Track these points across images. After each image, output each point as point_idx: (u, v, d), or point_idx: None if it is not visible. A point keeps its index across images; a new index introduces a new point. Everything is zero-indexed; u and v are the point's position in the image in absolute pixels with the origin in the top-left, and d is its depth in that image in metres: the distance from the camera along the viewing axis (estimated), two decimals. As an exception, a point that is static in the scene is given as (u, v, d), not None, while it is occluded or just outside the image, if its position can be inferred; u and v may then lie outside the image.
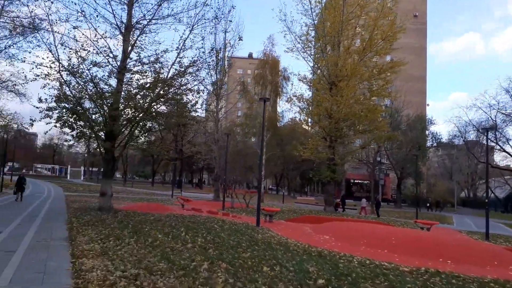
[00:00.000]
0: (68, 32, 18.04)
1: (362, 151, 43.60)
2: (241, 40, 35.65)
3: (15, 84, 28.05)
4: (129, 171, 75.73)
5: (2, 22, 25.56)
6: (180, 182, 45.17)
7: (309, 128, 44.99)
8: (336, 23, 29.64)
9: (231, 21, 34.27)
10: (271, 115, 45.23)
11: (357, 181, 61.86)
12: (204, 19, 17.81)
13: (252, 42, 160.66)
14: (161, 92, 16.80)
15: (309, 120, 37.66)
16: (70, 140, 18.56)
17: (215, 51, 30.36)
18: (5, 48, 27.19)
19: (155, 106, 17.35)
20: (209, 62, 29.35)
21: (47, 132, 19.41)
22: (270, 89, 42.74)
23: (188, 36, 17.30)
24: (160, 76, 16.89)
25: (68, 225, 11.93)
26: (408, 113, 50.37)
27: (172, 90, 17.37)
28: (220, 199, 28.11)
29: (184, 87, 17.79)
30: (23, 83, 27.11)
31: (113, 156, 16.52)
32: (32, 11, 21.00)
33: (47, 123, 15.84)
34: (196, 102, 18.50)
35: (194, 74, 17.77)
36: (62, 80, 15.33)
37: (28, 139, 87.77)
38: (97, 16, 16.35)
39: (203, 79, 20.70)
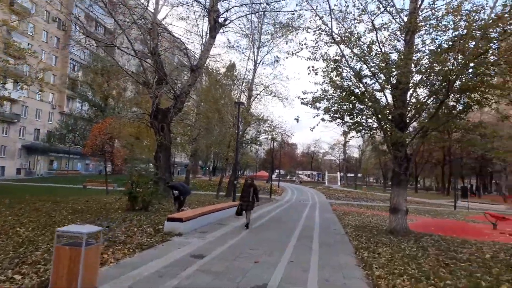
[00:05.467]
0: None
1: None
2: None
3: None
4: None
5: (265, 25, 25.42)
6: (464, 190, 35.49)
7: None
8: None
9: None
10: None
11: None
12: None
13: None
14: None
15: None
16: (351, 137, 14.49)
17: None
18: (268, 53, 27.08)
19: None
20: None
21: (313, 128, 16.81)
22: None
23: None
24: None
25: (363, 268, 6.99)
26: None
27: None
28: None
29: None
30: (284, 83, 26.38)
31: (405, 154, 11.00)
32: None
33: (314, 116, 12.23)
34: None
35: None
36: (339, 54, 11.10)
37: (291, 148, 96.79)
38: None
39: None
